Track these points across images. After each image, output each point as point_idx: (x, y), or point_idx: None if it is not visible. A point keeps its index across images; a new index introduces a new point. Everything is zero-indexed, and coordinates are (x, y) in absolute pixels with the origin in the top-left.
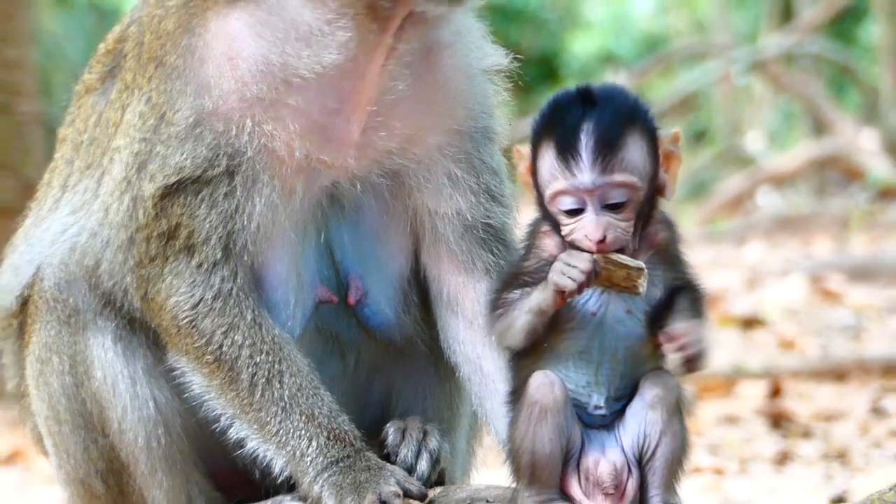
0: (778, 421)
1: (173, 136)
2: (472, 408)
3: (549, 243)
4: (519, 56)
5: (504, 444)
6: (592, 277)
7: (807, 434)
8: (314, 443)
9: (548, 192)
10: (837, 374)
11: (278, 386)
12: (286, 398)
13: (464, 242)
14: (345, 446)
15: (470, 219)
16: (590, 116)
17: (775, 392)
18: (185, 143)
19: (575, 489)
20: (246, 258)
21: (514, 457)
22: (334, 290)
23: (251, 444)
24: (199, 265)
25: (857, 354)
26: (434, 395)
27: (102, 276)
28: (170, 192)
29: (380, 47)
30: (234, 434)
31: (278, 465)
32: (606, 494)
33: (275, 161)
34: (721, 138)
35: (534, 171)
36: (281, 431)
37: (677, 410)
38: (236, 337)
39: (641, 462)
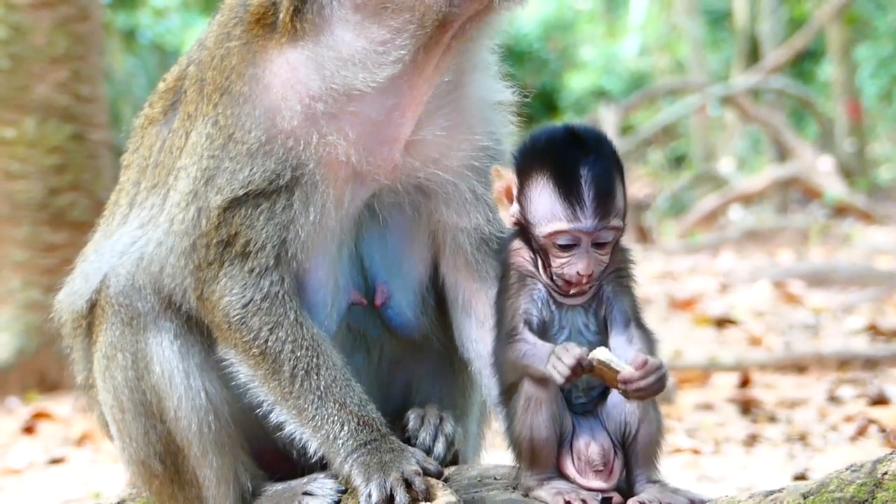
0: (747, 407)
1: (243, 154)
2: (482, 397)
3: (523, 260)
4: (524, 90)
5: (505, 434)
6: (579, 371)
7: (772, 419)
8: (346, 427)
9: (546, 229)
10: (799, 366)
11: (315, 377)
12: (322, 388)
13: (479, 254)
14: (372, 431)
15: (486, 232)
16: (588, 165)
17: (745, 382)
18: (254, 159)
19: (570, 468)
20: (293, 265)
21: (515, 444)
22: (363, 294)
23: (289, 428)
24: (251, 270)
25: (815, 350)
26: (448, 386)
27: (165, 279)
28: (234, 204)
29: (429, 62)
30: (274, 418)
31: (313, 446)
32: (597, 472)
33: (332, 170)
34: (698, 162)
35: (521, 200)
36: (317, 417)
37: (652, 401)
38: (280, 334)
39: (624, 445)
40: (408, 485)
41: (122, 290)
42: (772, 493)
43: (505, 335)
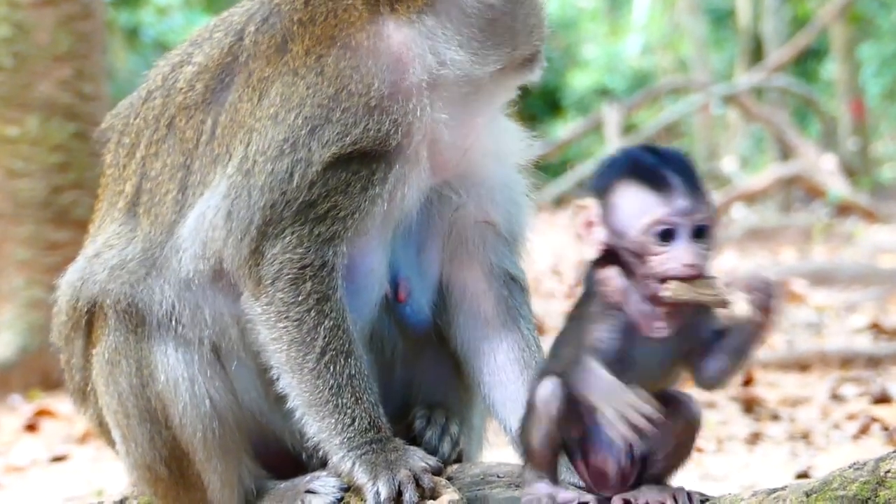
0: (750, 406)
1: (360, 106)
2: (482, 395)
3: (612, 290)
4: (527, 89)
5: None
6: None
7: (775, 417)
8: (356, 423)
9: (639, 223)
10: (801, 365)
11: (342, 363)
12: (345, 376)
13: (498, 253)
14: (379, 432)
15: (507, 230)
16: (667, 156)
17: (748, 381)
18: (371, 115)
19: (585, 477)
20: (356, 242)
21: (521, 441)
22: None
23: (293, 403)
24: (319, 235)
25: (818, 348)
26: (452, 383)
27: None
28: (338, 163)
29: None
30: (280, 387)
31: (313, 429)
32: (610, 487)
33: (428, 149)
34: (700, 161)
35: (605, 220)
36: (330, 403)
37: (695, 428)
38: (326, 308)
39: (647, 458)
40: (415, 482)
41: (126, 295)
42: (774, 491)
43: (571, 357)
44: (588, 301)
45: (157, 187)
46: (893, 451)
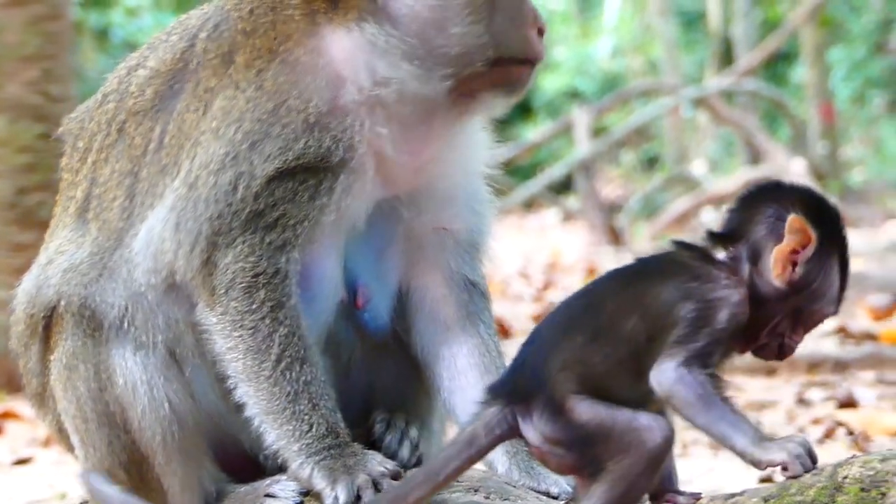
0: None
1: (299, 123)
2: (442, 400)
3: (744, 316)
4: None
5: None
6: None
7: None
8: (313, 429)
9: (827, 309)
10: (768, 369)
11: (298, 369)
12: (301, 382)
13: (458, 259)
14: (336, 438)
15: (468, 236)
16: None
17: None
18: (311, 131)
19: None
20: (309, 251)
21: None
22: (346, 294)
23: (251, 411)
24: (271, 243)
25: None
26: (412, 385)
27: (159, 258)
28: (282, 175)
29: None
30: (237, 396)
31: (271, 437)
32: None
33: (373, 163)
34: (670, 164)
35: (812, 267)
36: (287, 410)
37: None
38: (280, 315)
39: None
40: (374, 487)
41: (83, 299)
42: (733, 496)
43: (696, 364)
44: (726, 319)
45: (105, 193)
46: (852, 457)
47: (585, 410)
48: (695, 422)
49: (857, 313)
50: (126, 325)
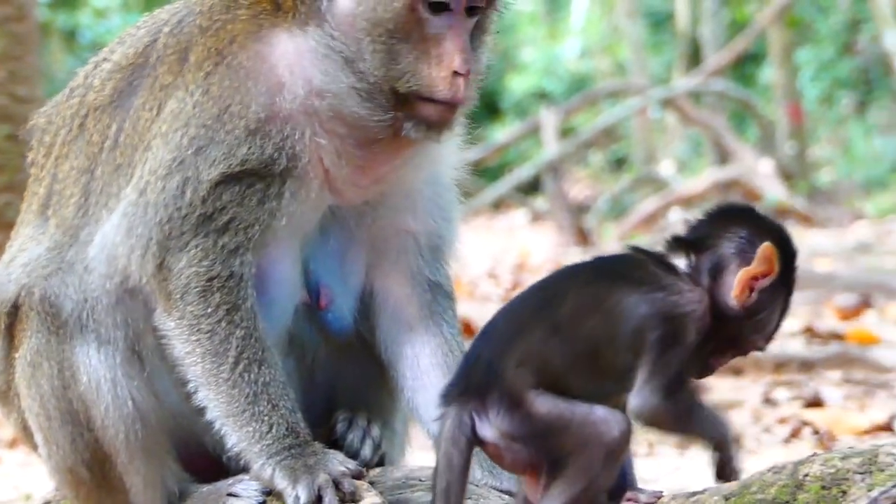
0: None
1: (241, 129)
2: (406, 400)
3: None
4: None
5: None
6: None
7: None
8: (273, 430)
9: (757, 342)
10: (735, 369)
11: (256, 371)
12: (259, 384)
13: (420, 260)
14: (297, 438)
15: (431, 238)
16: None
17: None
18: (253, 138)
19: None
20: (263, 254)
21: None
22: (308, 295)
23: (212, 415)
24: (224, 246)
25: (751, 353)
26: (375, 385)
27: (116, 261)
28: (228, 180)
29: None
30: (198, 400)
31: (232, 439)
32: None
33: (319, 171)
34: (638, 165)
35: (763, 296)
36: (246, 412)
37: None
38: (236, 318)
39: None
40: (335, 486)
41: (47, 296)
42: (694, 494)
43: (676, 386)
44: (690, 329)
45: (63, 190)
46: (812, 455)
47: (543, 404)
48: (679, 436)
49: (824, 313)
50: (86, 320)
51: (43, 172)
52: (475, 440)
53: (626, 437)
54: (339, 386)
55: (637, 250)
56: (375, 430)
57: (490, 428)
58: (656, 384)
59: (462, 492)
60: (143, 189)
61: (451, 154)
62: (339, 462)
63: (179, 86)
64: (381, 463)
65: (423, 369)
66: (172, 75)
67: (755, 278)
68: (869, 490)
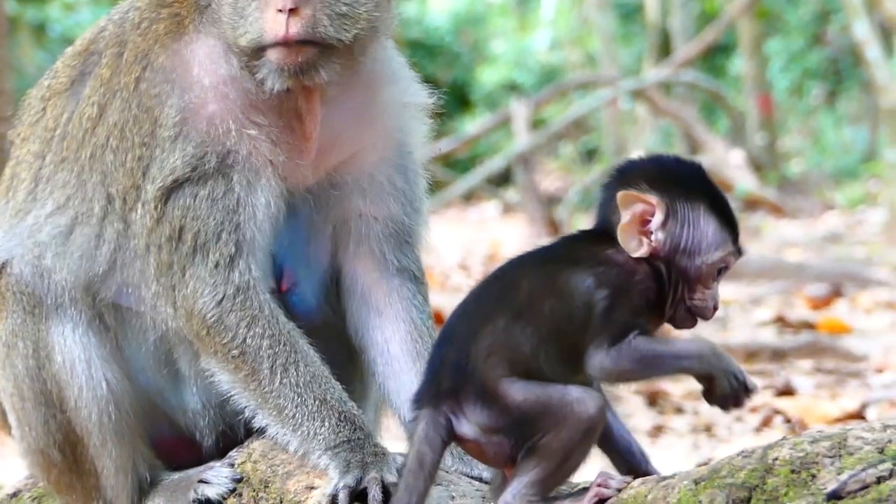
0: (654, 399)
1: (167, 138)
2: (377, 385)
3: (651, 291)
4: (436, 85)
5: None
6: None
7: (679, 410)
8: (326, 423)
9: (715, 255)
10: None
11: (294, 373)
12: (301, 385)
13: (386, 245)
14: (354, 429)
15: (398, 224)
16: (724, 195)
17: None
18: (175, 143)
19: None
20: (257, 252)
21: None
22: (272, 279)
23: (271, 431)
24: (216, 264)
25: (723, 341)
26: (347, 372)
27: (110, 283)
28: (168, 195)
29: (303, 97)
30: (257, 423)
31: (293, 445)
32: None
33: (266, 162)
34: (609, 156)
35: (671, 227)
36: (297, 415)
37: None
38: (257, 329)
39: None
40: (382, 486)
41: (24, 277)
42: (664, 479)
43: (621, 336)
44: (631, 294)
45: (20, 173)
46: (782, 439)
47: (518, 391)
48: (651, 378)
49: (795, 303)
50: (62, 301)
51: (12, 153)
52: (453, 439)
53: (601, 412)
54: None
55: (577, 232)
56: None
57: (468, 424)
58: (601, 341)
59: (426, 491)
60: (124, 220)
61: (414, 142)
62: (395, 468)
63: (116, 92)
64: None
65: (394, 355)
66: (110, 70)
67: (639, 223)
68: (838, 474)
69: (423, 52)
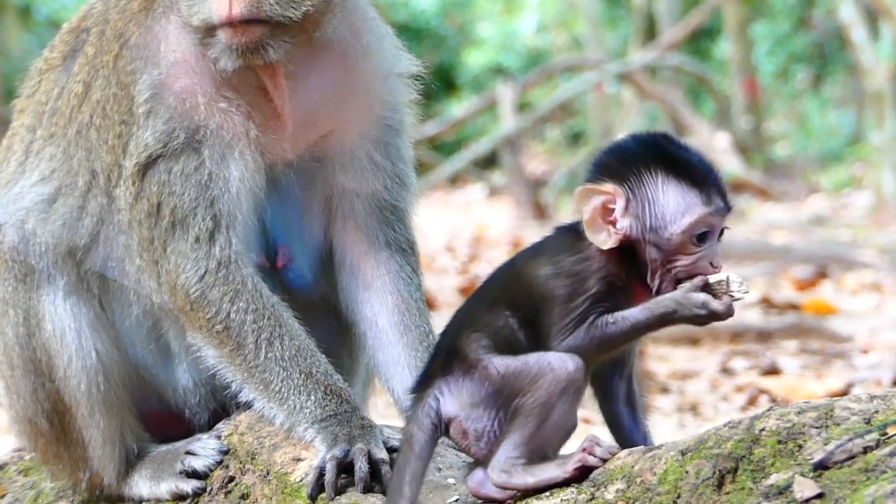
0: (640, 379)
1: (141, 115)
2: (367, 359)
3: (616, 279)
4: (422, 68)
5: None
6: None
7: (664, 390)
8: (312, 397)
9: (683, 222)
10: (692, 339)
11: (279, 347)
12: (286, 358)
13: (372, 219)
14: (341, 402)
15: (381, 200)
16: (692, 152)
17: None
18: (148, 120)
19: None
20: (237, 226)
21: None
22: (266, 256)
23: (258, 405)
24: (196, 239)
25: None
26: (337, 347)
27: (95, 255)
28: (145, 171)
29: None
30: (244, 398)
31: (279, 419)
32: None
33: (239, 136)
34: (595, 139)
35: (633, 210)
36: (283, 389)
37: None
38: (241, 303)
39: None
40: (369, 458)
41: (16, 245)
42: (651, 449)
43: (574, 326)
44: (589, 284)
45: (14, 145)
46: (768, 409)
47: (498, 363)
48: (619, 350)
49: (780, 284)
50: (53, 270)
51: (13, 122)
52: (440, 424)
53: (579, 371)
54: None
55: (561, 225)
56: None
57: (452, 401)
58: (560, 328)
59: (422, 473)
60: (109, 195)
61: (398, 116)
62: (382, 441)
63: (99, 69)
64: None
65: (382, 328)
66: (94, 47)
67: (603, 215)
68: (825, 444)
69: (409, 35)
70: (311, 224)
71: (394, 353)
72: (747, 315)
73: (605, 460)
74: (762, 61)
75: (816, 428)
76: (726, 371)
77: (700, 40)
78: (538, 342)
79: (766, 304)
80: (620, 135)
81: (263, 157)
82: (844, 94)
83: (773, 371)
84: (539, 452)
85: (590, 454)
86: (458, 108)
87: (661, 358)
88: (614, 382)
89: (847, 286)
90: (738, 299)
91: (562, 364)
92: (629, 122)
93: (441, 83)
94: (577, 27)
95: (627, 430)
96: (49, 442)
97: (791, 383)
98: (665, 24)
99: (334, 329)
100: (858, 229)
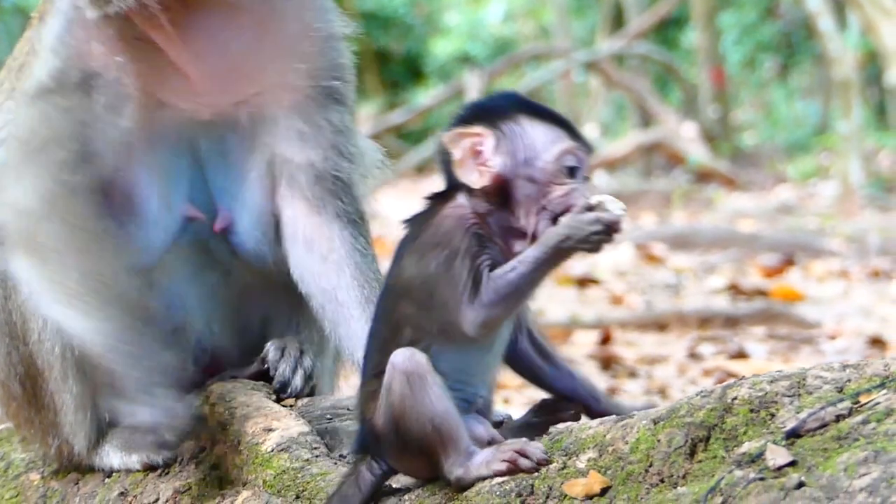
0: (608, 364)
1: (40, 53)
2: (326, 332)
3: (482, 224)
4: (389, 56)
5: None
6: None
7: (632, 374)
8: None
9: (554, 150)
10: (660, 324)
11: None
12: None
13: (316, 189)
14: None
15: (320, 170)
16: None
17: (606, 339)
18: (46, 57)
19: None
20: (104, 169)
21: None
22: (204, 211)
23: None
24: (54, 162)
25: (676, 308)
26: (305, 320)
27: None
28: (31, 102)
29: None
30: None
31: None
32: None
33: (136, 89)
34: None
35: (504, 148)
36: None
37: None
38: (80, 242)
39: None
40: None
41: None
42: (623, 419)
43: (473, 288)
44: (455, 240)
45: None
46: (740, 379)
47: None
48: (530, 297)
49: (748, 271)
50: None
51: None
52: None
53: (408, 363)
54: (269, 315)
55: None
56: (307, 361)
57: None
58: (456, 303)
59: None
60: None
61: (334, 84)
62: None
63: (34, 20)
64: (311, 393)
65: (342, 302)
66: (43, 6)
67: (473, 156)
68: (797, 412)
69: (376, 23)
70: (253, 190)
71: (356, 328)
72: (715, 301)
73: (536, 470)
74: (729, 50)
75: (789, 396)
76: (694, 356)
77: (667, 29)
78: (449, 333)
79: (734, 290)
80: (594, 123)
81: (167, 113)
82: (811, 83)
83: (740, 355)
84: (454, 445)
85: (523, 457)
86: (425, 96)
87: (628, 343)
88: (518, 341)
89: (814, 273)
90: (620, 216)
91: (396, 359)
92: (596, 110)
93: (408, 72)
94: (544, 16)
95: (553, 379)
96: (21, 406)
97: (759, 367)
98: (633, 13)
99: (298, 300)
100: (825, 218)
